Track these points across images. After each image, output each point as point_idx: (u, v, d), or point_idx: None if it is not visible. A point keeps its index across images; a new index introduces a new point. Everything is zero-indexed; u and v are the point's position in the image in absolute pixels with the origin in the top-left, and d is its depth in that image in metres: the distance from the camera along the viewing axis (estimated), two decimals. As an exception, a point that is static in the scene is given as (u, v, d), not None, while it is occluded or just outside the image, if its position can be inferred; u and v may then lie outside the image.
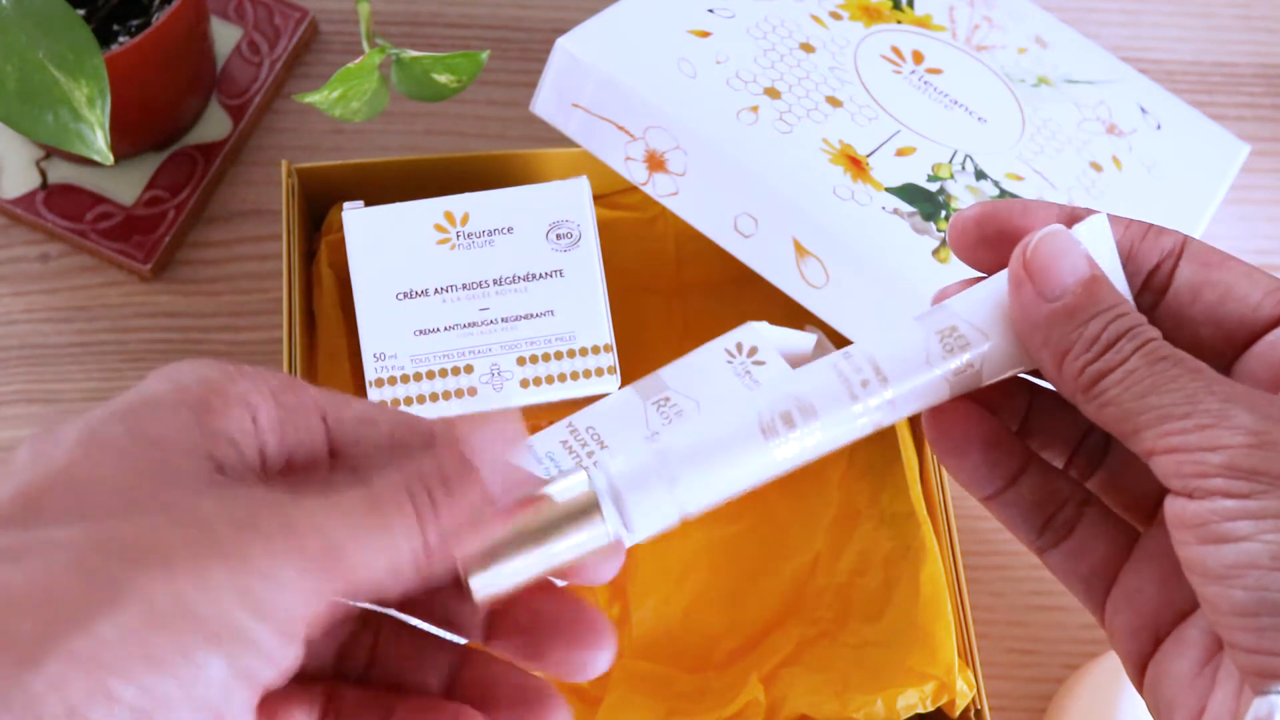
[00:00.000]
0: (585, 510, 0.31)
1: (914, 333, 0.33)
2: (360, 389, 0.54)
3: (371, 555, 0.27)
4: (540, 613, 0.31)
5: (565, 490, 0.31)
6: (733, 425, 0.32)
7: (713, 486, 0.32)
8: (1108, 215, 0.33)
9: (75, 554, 0.25)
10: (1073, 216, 0.33)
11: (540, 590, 0.31)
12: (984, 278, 0.34)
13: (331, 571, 0.27)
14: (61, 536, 0.25)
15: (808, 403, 0.32)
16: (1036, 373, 0.34)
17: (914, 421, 0.55)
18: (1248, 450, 0.28)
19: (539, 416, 0.52)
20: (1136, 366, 0.30)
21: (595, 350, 0.50)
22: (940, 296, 0.34)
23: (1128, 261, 0.33)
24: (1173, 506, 0.29)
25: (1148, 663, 0.32)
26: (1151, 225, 0.33)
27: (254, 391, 0.29)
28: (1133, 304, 0.32)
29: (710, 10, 0.53)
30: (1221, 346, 0.32)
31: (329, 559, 0.27)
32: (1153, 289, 0.33)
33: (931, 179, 0.51)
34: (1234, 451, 0.28)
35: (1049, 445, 0.36)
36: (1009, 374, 0.33)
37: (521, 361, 0.50)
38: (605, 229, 0.55)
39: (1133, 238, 0.33)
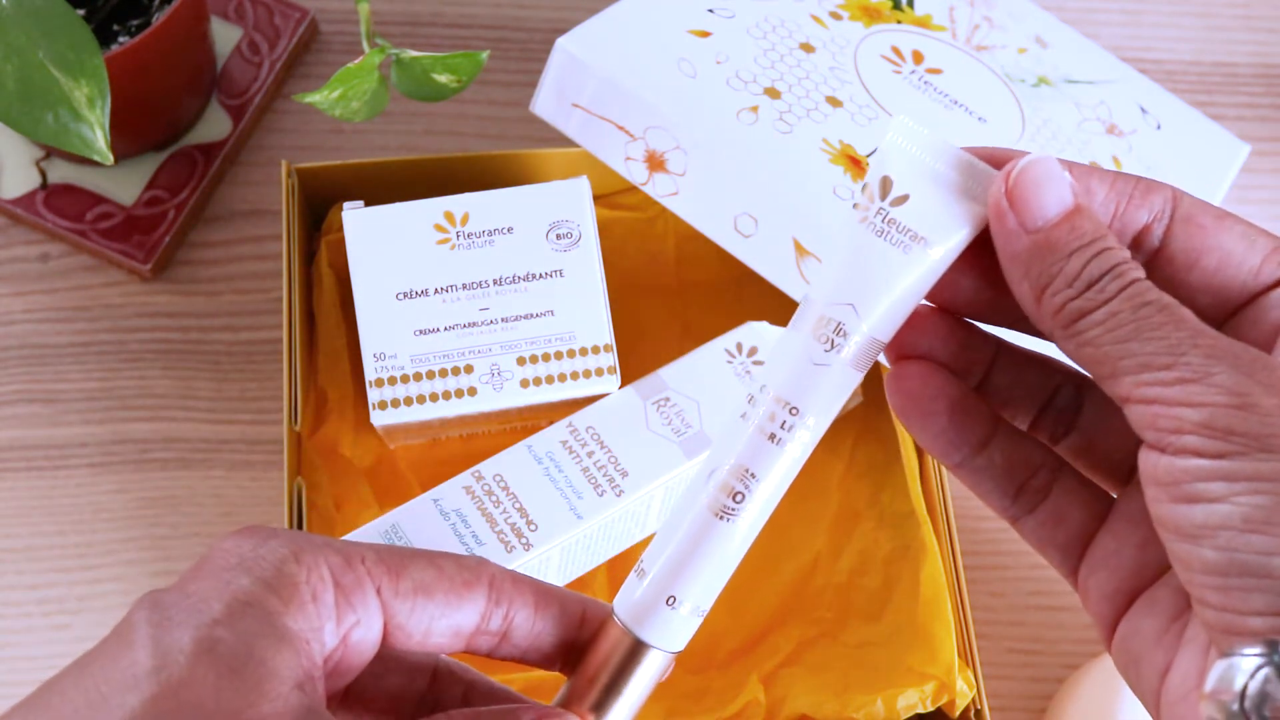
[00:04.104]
0: (641, 654, 0.34)
1: (792, 344, 0.32)
2: (360, 389, 0.54)
3: None
4: None
5: (611, 650, 0.34)
6: (693, 528, 0.33)
7: (709, 583, 0.34)
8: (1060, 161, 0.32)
9: None
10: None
11: None
12: None
13: None
14: None
15: (743, 468, 0.33)
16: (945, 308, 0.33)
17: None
18: (1227, 410, 0.27)
19: (539, 416, 0.52)
20: (1120, 309, 0.29)
21: (595, 350, 0.50)
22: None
23: (1114, 220, 0.32)
24: (1146, 459, 0.29)
25: (1118, 623, 0.32)
26: (1139, 180, 0.32)
27: (319, 580, 0.32)
28: (1114, 239, 0.31)
29: (710, 10, 0.53)
30: (1216, 310, 0.32)
31: None
32: (1143, 250, 0.32)
33: (931, 179, 0.51)
34: (1213, 410, 0.27)
35: (1013, 403, 0.35)
36: (901, 316, 0.32)
37: (521, 361, 0.50)
38: (605, 229, 0.55)
39: (1119, 196, 0.32)
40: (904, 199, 0.31)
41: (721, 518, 0.33)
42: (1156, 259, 0.32)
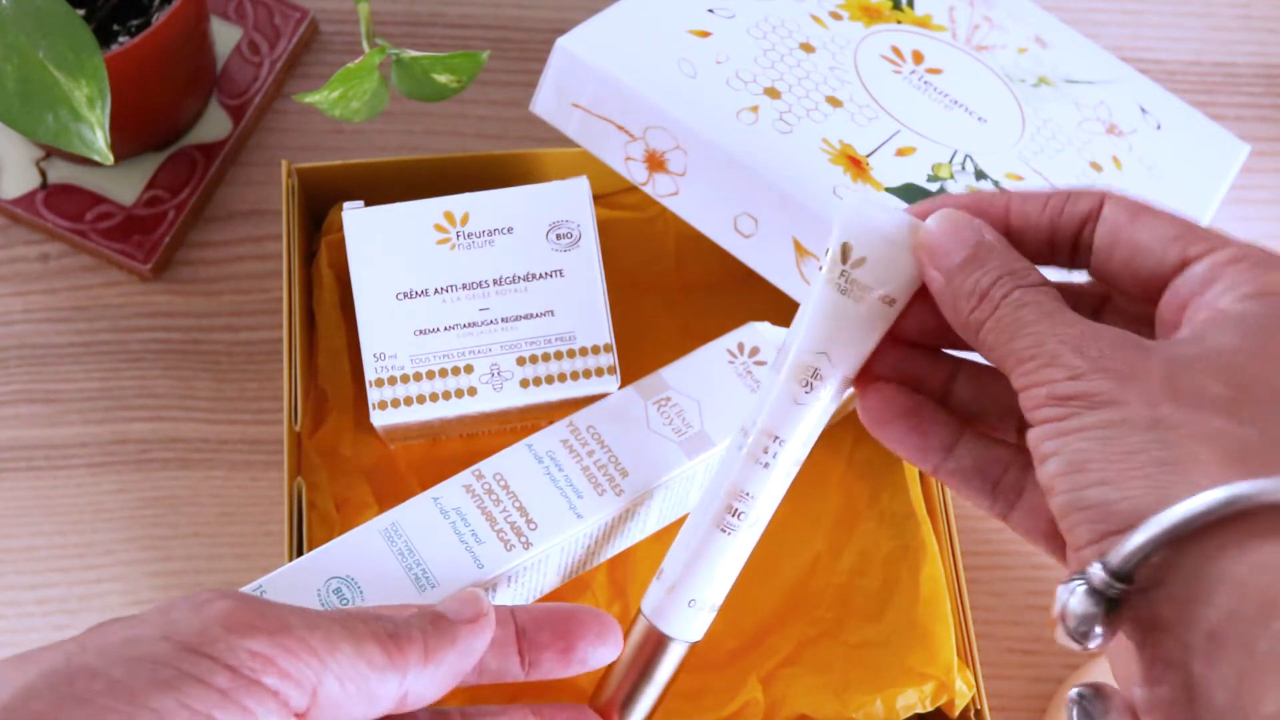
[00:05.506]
0: (664, 645, 0.42)
1: (777, 390, 0.38)
2: (360, 389, 0.54)
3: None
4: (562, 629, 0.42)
5: (639, 641, 0.43)
6: (701, 540, 0.41)
7: (719, 583, 0.41)
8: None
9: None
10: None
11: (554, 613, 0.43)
12: None
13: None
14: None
15: (740, 489, 0.40)
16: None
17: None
18: (1066, 382, 0.31)
19: (539, 416, 0.52)
20: (1004, 314, 0.33)
21: (595, 350, 0.50)
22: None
23: (1053, 232, 0.36)
24: (1027, 435, 0.33)
25: None
26: (1071, 192, 0.36)
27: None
28: (1025, 262, 0.35)
29: (710, 10, 0.53)
30: (1142, 295, 0.35)
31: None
32: (1080, 250, 0.36)
33: (931, 179, 0.51)
34: (1055, 384, 0.32)
35: (985, 415, 0.38)
36: (867, 355, 0.37)
37: (521, 361, 0.50)
38: (605, 229, 0.55)
39: (1051, 211, 0.36)
40: (862, 261, 0.36)
41: (727, 532, 0.40)
42: (1091, 257, 0.35)
